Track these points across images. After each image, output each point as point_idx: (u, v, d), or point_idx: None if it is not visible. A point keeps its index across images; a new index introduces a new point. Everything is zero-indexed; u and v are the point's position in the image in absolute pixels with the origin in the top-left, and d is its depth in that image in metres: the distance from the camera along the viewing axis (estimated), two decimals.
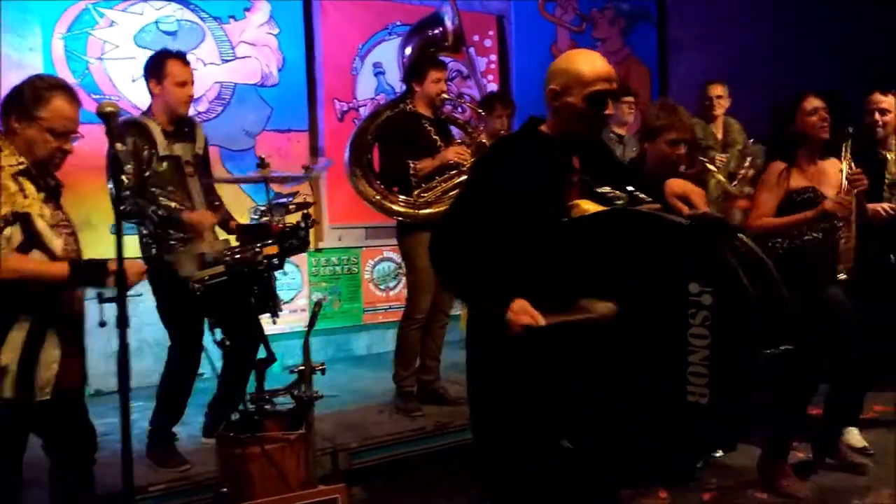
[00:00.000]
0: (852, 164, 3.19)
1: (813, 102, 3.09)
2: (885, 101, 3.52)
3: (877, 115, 3.51)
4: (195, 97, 4.66)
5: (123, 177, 2.80)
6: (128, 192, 2.85)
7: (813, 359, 2.99)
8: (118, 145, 1.86)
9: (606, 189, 2.01)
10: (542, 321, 1.85)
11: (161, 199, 2.96)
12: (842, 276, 3.20)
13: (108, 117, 1.91)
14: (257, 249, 2.52)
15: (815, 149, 3.15)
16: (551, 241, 1.94)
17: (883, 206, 3.35)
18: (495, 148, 2.29)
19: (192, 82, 3.11)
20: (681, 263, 1.75)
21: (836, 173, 3.21)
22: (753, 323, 1.66)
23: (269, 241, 2.48)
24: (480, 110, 4.16)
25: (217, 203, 3.30)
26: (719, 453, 3.30)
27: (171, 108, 3.06)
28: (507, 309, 1.88)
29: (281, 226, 2.54)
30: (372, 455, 3.40)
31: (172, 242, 2.95)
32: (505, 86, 6.08)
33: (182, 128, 3.14)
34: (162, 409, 3.11)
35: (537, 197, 2.00)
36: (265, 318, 2.70)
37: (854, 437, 3.58)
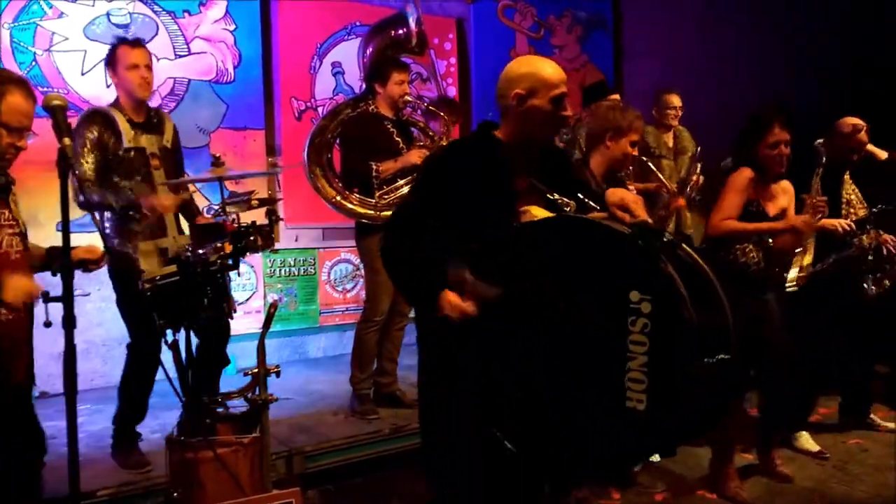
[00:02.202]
0: (820, 191, 3.31)
1: (777, 135, 3.12)
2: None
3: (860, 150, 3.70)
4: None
5: (87, 166, 2.91)
6: (89, 182, 2.90)
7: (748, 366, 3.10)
8: (65, 140, 1.79)
9: (557, 196, 2.04)
10: (472, 307, 1.95)
11: (126, 188, 2.98)
12: (792, 288, 3.32)
13: (55, 111, 1.85)
14: (219, 246, 2.48)
15: (776, 172, 3.21)
16: (500, 244, 1.97)
17: (840, 223, 3.47)
18: (449, 150, 2.29)
19: (148, 65, 3.10)
20: (623, 271, 1.78)
21: (782, 194, 3.27)
22: (691, 332, 1.68)
23: (225, 240, 2.43)
24: (442, 113, 4.17)
25: (186, 198, 3.27)
26: (656, 458, 3.34)
27: (128, 93, 3.07)
28: (440, 297, 1.98)
29: (235, 225, 2.49)
30: (327, 458, 3.37)
31: (137, 233, 2.96)
32: (465, 89, 6.10)
33: (151, 119, 3.16)
34: (123, 406, 3.09)
35: (489, 201, 2.04)
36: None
37: (807, 441, 3.69)
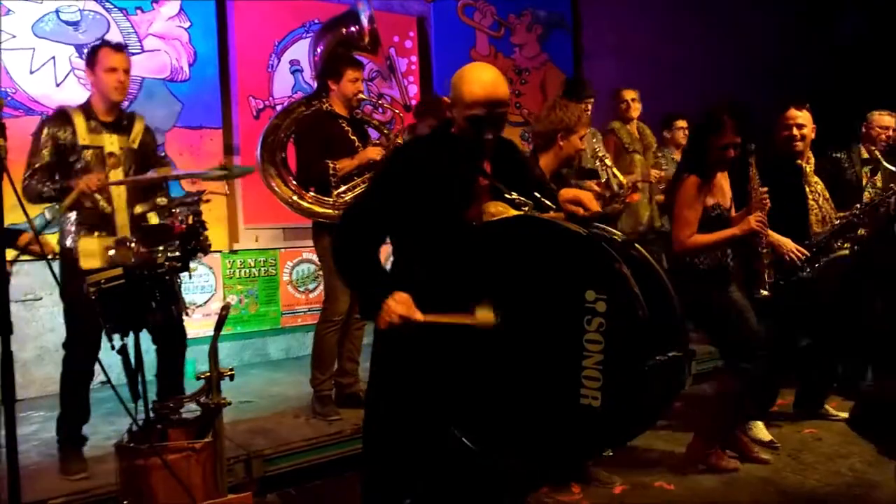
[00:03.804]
0: (759, 183, 3.28)
1: (729, 138, 3.16)
2: (801, 115, 3.67)
3: (794, 130, 3.64)
4: None
5: (41, 160, 2.97)
6: (40, 174, 2.97)
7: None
8: None
9: (515, 195, 2.04)
10: (418, 316, 1.93)
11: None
12: (764, 293, 3.32)
13: None
14: (160, 250, 2.44)
15: (721, 170, 3.29)
16: (459, 242, 1.97)
17: (793, 252, 3.41)
18: (406, 148, 2.28)
19: (126, 70, 3.14)
20: (579, 271, 1.80)
21: (724, 181, 3.33)
22: (645, 330, 1.71)
23: (172, 244, 2.39)
24: (401, 113, 4.14)
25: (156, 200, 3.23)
26: (610, 452, 3.37)
27: (103, 94, 3.11)
28: (388, 298, 1.94)
29: (184, 227, 2.44)
30: (287, 461, 3.32)
31: (85, 233, 2.97)
32: (426, 87, 6.09)
33: (120, 121, 3.18)
34: (64, 408, 3.07)
35: (446, 197, 2.04)
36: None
37: (760, 431, 3.75)
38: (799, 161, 3.72)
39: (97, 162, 3.05)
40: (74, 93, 4.51)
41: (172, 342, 3.05)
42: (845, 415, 4.04)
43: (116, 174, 3.07)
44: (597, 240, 1.80)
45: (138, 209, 3.10)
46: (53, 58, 4.46)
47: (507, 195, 2.04)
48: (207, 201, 2.66)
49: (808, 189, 3.73)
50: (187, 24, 4.95)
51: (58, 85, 4.48)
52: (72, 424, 3.06)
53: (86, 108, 3.12)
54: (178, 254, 2.41)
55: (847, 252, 3.68)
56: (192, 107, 4.94)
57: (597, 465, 3.29)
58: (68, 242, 3.00)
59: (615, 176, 4.38)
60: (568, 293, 1.80)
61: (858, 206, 3.69)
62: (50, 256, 2.25)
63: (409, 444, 2.10)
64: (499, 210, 2.02)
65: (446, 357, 1.98)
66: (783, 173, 3.59)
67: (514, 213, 2.00)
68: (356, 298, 3.67)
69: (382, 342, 2.16)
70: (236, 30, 5.17)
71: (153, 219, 3.00)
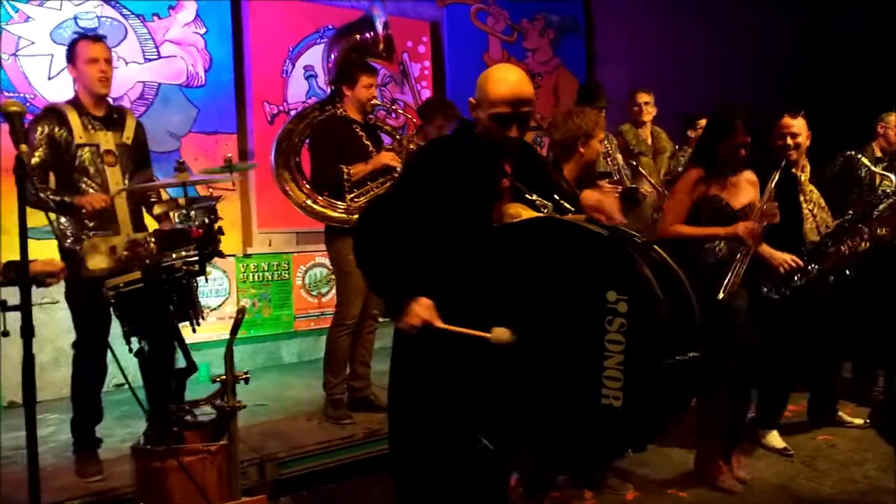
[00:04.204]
0: (773, 197, 3.22)
1: (739, 138, 3.14)
2: (795, 124, 3.64)
3: (788, 139, 3.62)
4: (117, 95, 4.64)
5: (34, 161, 2.88)
6: (36, 179, 2.82)
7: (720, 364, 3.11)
8: (22, 146, 1.77)
9: (535, 197, 2.05)
10: (437, 323, 1.93)
11: (81, 184, 2.98)
12: (721, 296, 3.12)
13: (12, 117, 1.82)
14: (184, 252, 2.46)
15: (732, 170, 3.26)
16: (480, 243, 1.98)
17: (785, 261, 3.28)
18: (430, 148, 2.29)
19: (108, 60, 3.09)
20: (600, 272, 1.81)
21: (747, 185, 3.29)
22: (665, 330, 1.73)
23: (191, 246, 2.41)
24: (414, 118, 4.16)
25: (153, 199, 3.28)
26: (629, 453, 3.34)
27: (87, 88, 3.06)
28: (411, 302, 1.94)
29: (201, 231, 2.47)
30: (300, 464, 3.34)
31: (87, 233, 2.93)
32: (440, 92, 6.10)
33: (111, 115, 3.14)
34: (76, 410, 3.07)
35: (470, 198, 2.05)
36: (184, 326, 2.63)
37: (774, 438, 3.73)
38: (793, 170, 3.67)
39: (94, 160, 3.01)
40: None
41: (161, 341, 3.03)
42: (860, 421, 4.00)
43: (113, 171, 3.05)
44: (617, 241, 1.81)
45: (157, 210, 3.12)
46: (65, 55, 4.51)
47: (527, 196, 2.05)
48: (218, 199, 2.64)
49: (802, 198, 3.69)
50: (203, 31, 5.00)
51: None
52: (84, 425, 3.07)
53: (76, 104, 3.05)
54: (195, 257, 2.43)
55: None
56: (208, 112, 4.99)
57: (611, 472, 3.28)
58: (68, 243, 2.94)
59: (633, 176, 4.36)
60: (589, 294, 1.81)
61: (851, 212, 3.63)
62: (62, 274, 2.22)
63: (431, 445, 2.10)
64: (518, 212, 2.03)
65: (468, 360, 1.98)
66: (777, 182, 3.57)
67: (534, 214, 2.01)
68: (369, 301, 3.71)
69: (403, 345, 2.16)
70: (251, 35, 5.21)
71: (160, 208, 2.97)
